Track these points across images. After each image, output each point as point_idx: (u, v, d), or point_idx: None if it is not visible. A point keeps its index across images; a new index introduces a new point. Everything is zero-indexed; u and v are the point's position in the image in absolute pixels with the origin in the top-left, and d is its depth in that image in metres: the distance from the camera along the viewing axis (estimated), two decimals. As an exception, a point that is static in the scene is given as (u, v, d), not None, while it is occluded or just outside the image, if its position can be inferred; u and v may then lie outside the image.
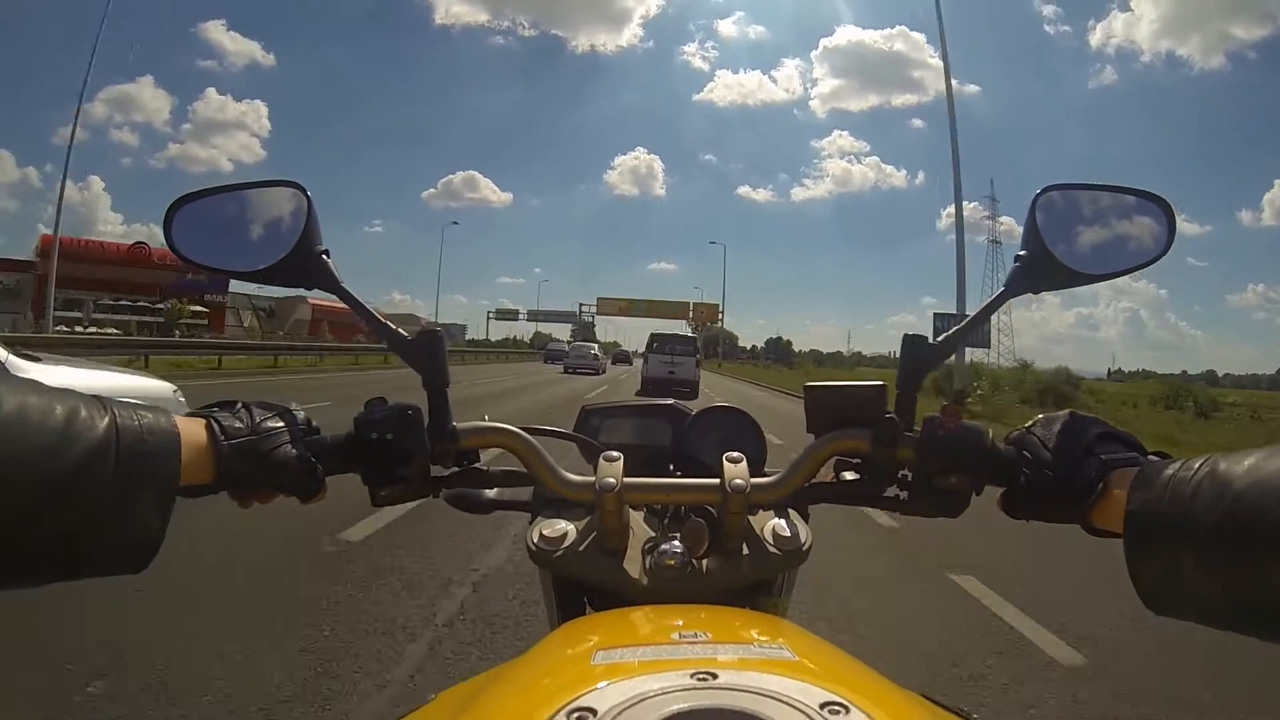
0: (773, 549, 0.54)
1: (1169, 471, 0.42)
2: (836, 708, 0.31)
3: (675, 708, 0.30)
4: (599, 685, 0.33)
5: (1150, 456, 0.48)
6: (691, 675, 0.33)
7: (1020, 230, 0.59)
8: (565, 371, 27.51)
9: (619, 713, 0.30)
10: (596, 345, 33.69)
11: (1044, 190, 0.59)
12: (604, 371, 28.46)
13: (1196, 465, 0.41)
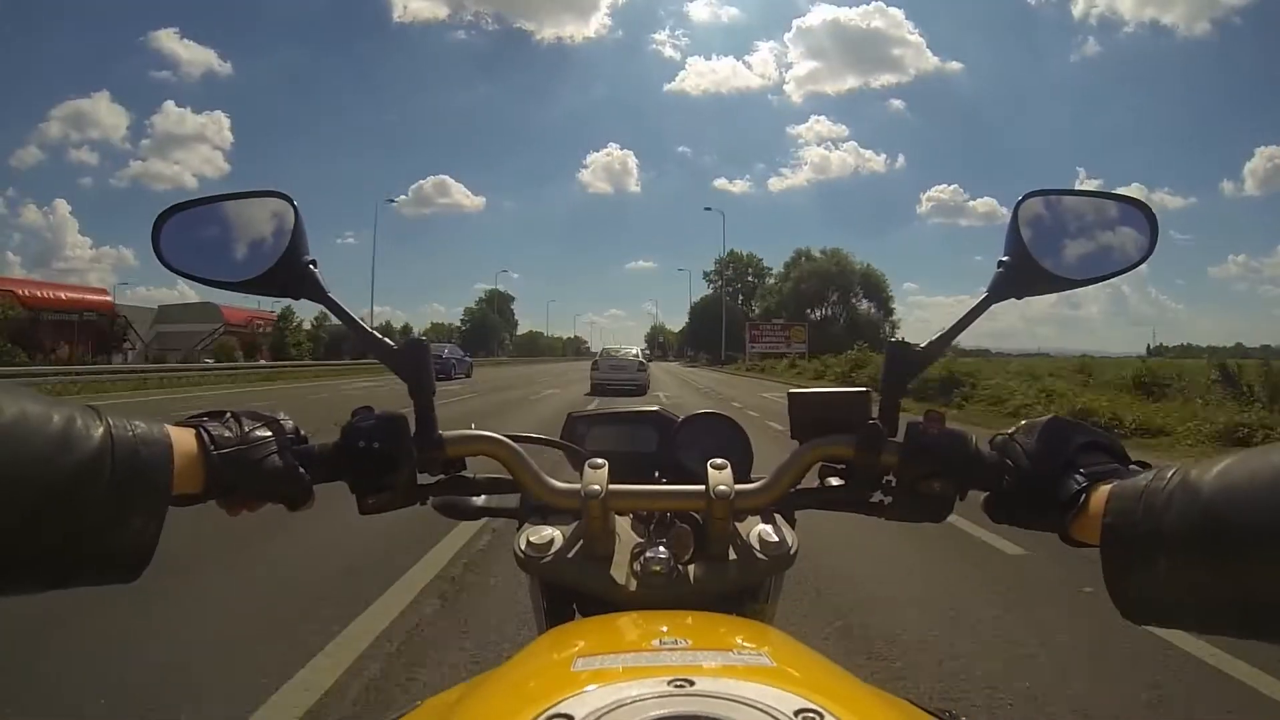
0: (759, 554, 0.54)
1: (1142, 483, 0.42)
2: (811, 714, 0.31)
3: (651, 714, 0.31)
4: (578, 691, 0.33)
5: (1131, 465, 0.49)
6: (669, 682, 0.34)
7: (1000, 211, 0.60)
8: (593, 392, 17.61)
9: (596, 719, 0.31)
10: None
11: (1026, 196, 0.60)
12: (648, 389, 18.32)
13: (1168, 475, 0.41)
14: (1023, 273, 0.58)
